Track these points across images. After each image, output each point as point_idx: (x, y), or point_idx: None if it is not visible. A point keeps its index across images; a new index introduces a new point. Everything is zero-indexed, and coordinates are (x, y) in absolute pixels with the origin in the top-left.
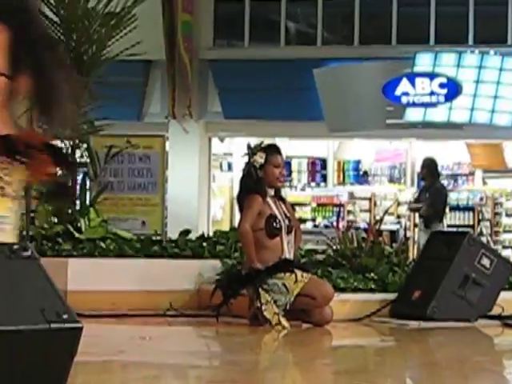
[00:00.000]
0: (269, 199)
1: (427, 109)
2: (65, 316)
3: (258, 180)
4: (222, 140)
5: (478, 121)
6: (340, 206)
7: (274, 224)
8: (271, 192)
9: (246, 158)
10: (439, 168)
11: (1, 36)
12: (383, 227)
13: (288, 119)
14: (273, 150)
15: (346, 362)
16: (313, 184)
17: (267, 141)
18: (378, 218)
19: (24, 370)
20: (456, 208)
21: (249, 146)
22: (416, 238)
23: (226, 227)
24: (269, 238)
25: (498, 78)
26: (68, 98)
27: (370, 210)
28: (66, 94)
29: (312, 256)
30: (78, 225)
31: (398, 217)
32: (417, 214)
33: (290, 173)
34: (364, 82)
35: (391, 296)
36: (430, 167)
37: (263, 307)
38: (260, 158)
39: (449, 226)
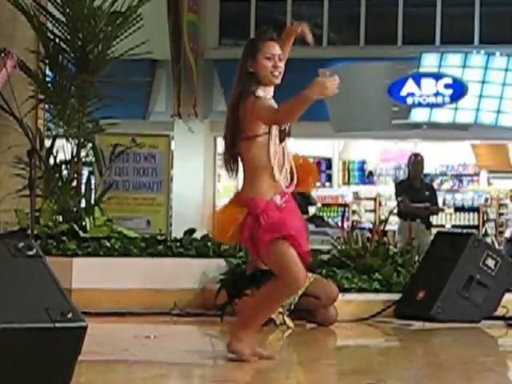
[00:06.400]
0: None
1: (433, 109)
2: (69, 315)
3: None
4: None
5: (484, 121)
6: (345, 206)
7: None
8: None
9: None
10: (444, 169)
11: None
12: (388, 227)
13: None
14: None
15: (350, 362)
16: (318, 184)
17: None
18: (382, 218)
19: (28, 368)
20: (461, 209)
21: None
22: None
23: None
24: None
25: (504, 79)
26: None
27: (374, 210)
28: None
29: (316, 256)
30: (83, 224)
31: None
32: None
33: None
34: (369, 82)
35: (396, 296)
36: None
37: None
38: None
39: (454, 226)
